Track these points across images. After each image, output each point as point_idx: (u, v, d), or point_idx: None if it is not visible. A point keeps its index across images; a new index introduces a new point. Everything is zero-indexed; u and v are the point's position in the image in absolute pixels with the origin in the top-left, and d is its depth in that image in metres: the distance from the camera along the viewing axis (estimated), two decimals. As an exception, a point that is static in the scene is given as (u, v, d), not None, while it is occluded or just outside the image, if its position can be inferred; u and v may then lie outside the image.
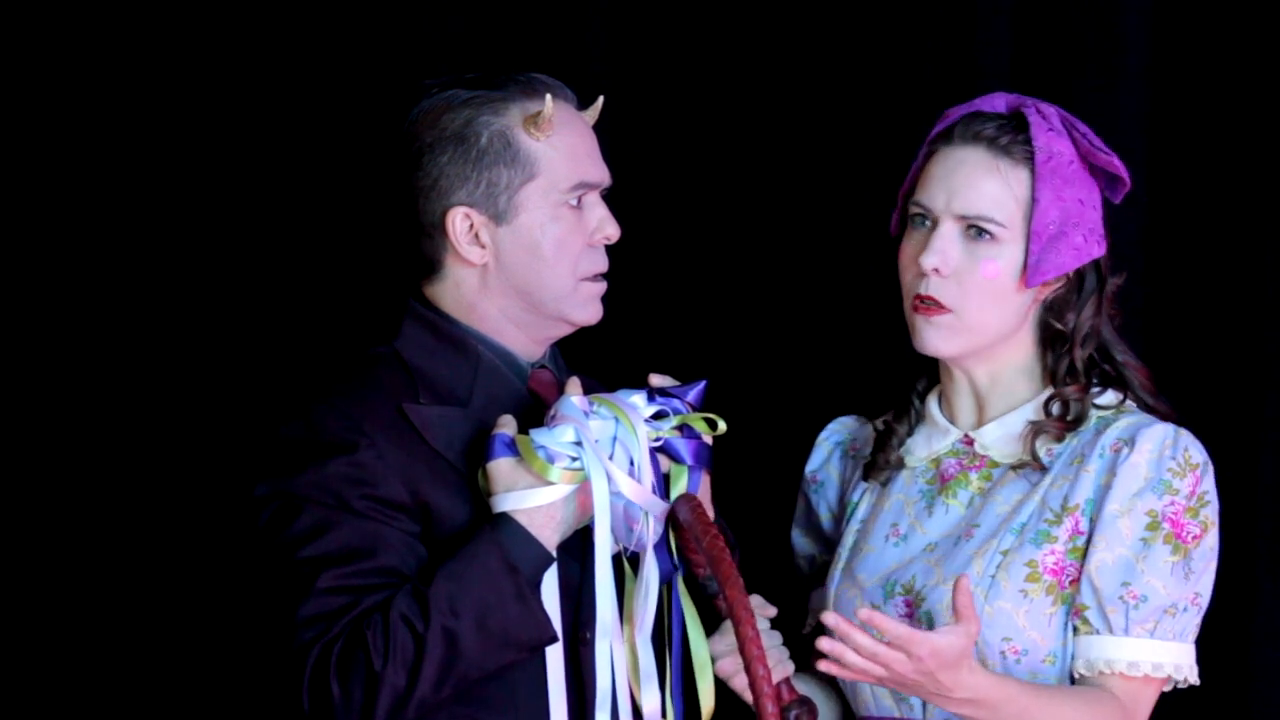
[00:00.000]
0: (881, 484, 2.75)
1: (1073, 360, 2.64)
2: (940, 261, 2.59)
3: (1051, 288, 2.64)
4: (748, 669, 2.30)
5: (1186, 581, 2.57)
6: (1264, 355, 3.18)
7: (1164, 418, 2.65)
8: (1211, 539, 2.59)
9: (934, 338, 2.62)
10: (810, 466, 2.88)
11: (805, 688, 2.71)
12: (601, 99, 2.62)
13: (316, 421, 2.49)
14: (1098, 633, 2.56)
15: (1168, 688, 2.62)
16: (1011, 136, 2.61)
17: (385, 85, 3.24)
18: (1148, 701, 2.59)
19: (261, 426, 2.60)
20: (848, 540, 2.75)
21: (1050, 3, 3.26)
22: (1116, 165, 2.64)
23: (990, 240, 2.60)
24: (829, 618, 2.37)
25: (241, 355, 3.33)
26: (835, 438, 2.87)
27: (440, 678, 2.40)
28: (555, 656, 2.50)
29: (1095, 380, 2.67)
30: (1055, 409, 2.64)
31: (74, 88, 3.35)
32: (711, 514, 2.65)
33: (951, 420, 2.71)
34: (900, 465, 2.74)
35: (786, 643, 2.68)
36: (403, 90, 2.62)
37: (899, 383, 2.77)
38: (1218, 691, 3.20)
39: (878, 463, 2.75)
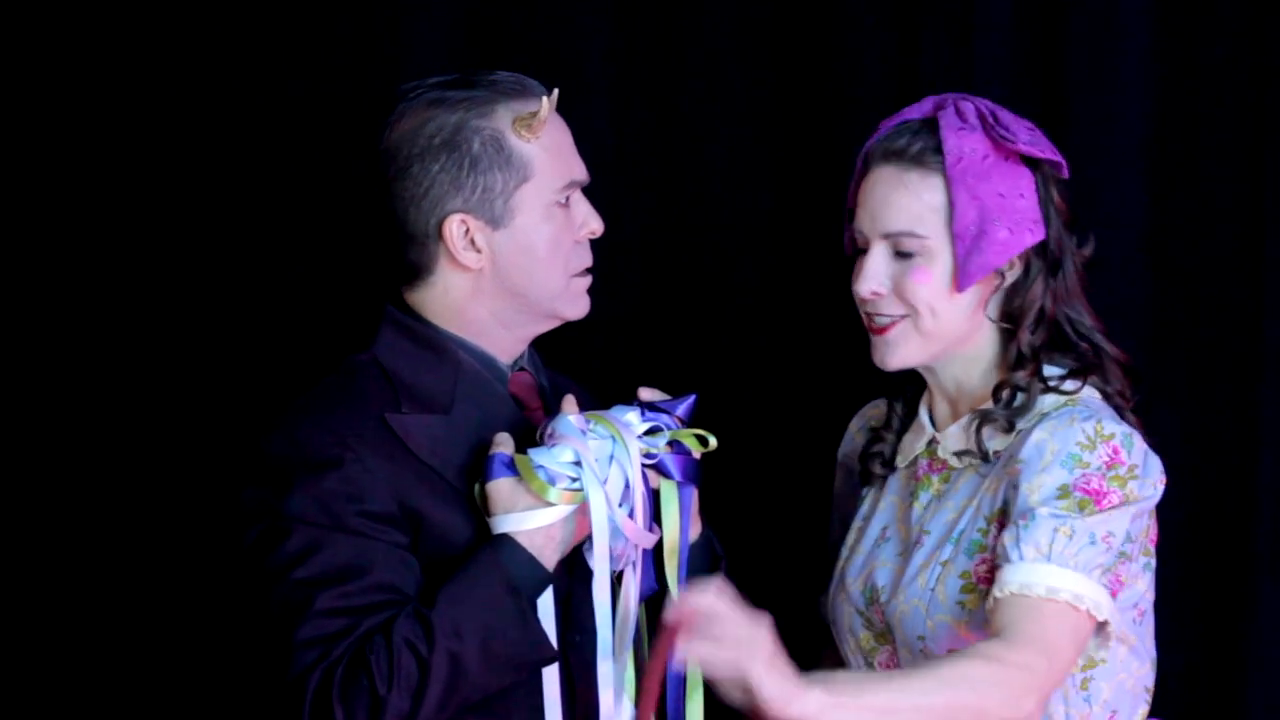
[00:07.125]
0: (879, 486, 2.73)
1: (1019, 344, 2.59)
2: (875, 285, 2.59)
3: (997, 281, 2.59)
4: None
5: (1085, 516, 2.44)
6: (1264, 355, 3.19)
7: (1127, 398, 2.61)
8: (1139, 504, 2.47)
9: (888, 353, 2.60)
10: (842, 449, 2.85)
11: None
12: (556, 91, 2.58)
13: (300, 438, 2.46)
14: (999, 567, 2.45)
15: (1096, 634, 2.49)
16: (923, 144, 2.59)
17: (373, 87, 3.21)
18: (1065, 636, 2.42)
19: (244, 432, 2.58)
20: (849, 540, 2.74)
21: (1049, 3, 3.24)
22: (1040, 149, 2.58)
23: (917, 254, 2.58)
24: None
25: (226, 359, 3.30)
26: (860, 421, 2.84)
27: (444, 701, 2.39)
28: (550, 666, 2.49)
29: (1070, 366, 2.60)
30: (1004, 395, 2.59)
31: (67, 88, 3.31)
32: (699, 528, 2.64)
33: (932, 421, 2.69)
34: (892, 467, 2.72)
35: (807, 637, 2.68)
36: (389, 93, 2.59)
37: (896, 385, 2.75)
38: (1218, 691, 3.21)
39: (866, 464, 2.74)
